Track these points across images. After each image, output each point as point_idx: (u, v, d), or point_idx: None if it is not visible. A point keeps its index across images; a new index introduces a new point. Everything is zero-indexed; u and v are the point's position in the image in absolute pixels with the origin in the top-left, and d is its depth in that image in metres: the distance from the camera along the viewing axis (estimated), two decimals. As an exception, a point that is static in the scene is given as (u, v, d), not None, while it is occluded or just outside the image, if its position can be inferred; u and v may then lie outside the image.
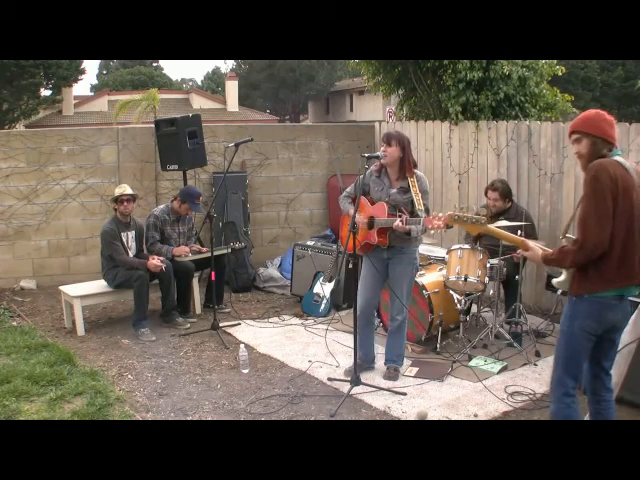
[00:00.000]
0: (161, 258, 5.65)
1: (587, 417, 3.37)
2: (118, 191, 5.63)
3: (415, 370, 4.60)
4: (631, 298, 3.81)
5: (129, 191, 5.63)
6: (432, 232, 4.15)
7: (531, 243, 3.10)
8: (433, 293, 5.02)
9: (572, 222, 3.14)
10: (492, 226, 3.23)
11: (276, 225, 7.91)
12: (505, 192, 5.32)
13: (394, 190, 4.30)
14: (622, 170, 2.80)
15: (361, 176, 4.35)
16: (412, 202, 4.19)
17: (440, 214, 3.91)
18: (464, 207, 3.14)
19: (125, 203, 5.57)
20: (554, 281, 3.08)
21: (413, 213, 4.19)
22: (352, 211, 4.31)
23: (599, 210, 2.74)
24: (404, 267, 4.38)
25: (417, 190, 4.16)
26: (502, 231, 3.22)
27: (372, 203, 4.39)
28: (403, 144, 4.23)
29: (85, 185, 7.21)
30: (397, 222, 4.09)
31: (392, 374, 4.49)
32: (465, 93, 6.72)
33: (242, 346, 4.85)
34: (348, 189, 4.56)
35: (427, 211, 4.16)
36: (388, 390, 4.26)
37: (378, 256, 4.39)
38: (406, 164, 4.25)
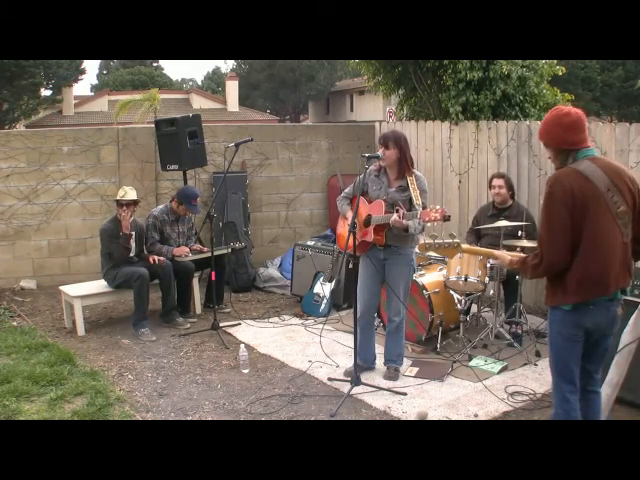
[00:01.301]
0: (161, 258, 5.66)
1: None
2: (120, 193, 5.61)
3: (415, 370, 4.60)
4: (631, 298, 3.82)
5: (130, 196, 5.59)
6: (428, 225, 4.13)
7: (497, 252, 3.17)
8: (433, 293, 5.02)
9: None
10: (465, 246, 3.31)
11: (276, 225, 7.91)
12: (510, 183, 5.36)
13: (392, 189, 4.30)
14: (581, 181, 2.70)
15: (360, 176, 4.35)
16: (410, 200, 4.19)
17: (437, 207, 3.92)
18: (435, 234, 3.20)
19: (124, 207, 5.54)
20: None
21: (411, 210, 4.19)
22: (350, 213, 4.33)
23: (553, 228, 2.71)
24: (401, 268, 4.37)
25: (416, 187, 4.17)
26: (476, 248, 3.31)
27: (370, 202, 4.39)
28: (400, 144, 4.23)
29: (85, 185, 7.21)
30: (394, 217, 4.08)
31: (392, 374, 4.49)
32: (465, 93, 6.72)
33: (242, 346, 4.85)
34: (347, 190, 4.56)
35: (424, 208, 4.15)
36: (388, 390, 4.26)
37: (374, 256, 4.38)
38: (405, 163, 4.25)
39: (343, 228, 4.54)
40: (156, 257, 5.64)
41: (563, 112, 2.79)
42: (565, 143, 2.77)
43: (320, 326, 5.59)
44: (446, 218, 3.90)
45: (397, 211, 4.12)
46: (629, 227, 2.78)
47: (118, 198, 5.58)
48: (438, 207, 3.93)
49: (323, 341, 5.07)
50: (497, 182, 5.34)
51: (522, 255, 3.05)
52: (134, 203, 5.65)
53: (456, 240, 3.16)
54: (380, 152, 4.28)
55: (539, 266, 2.77)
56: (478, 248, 3.26)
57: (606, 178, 2.73)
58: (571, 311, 2.80)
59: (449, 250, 3.19)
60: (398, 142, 4.24)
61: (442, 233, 3.20)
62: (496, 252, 3.18)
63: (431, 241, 3.17)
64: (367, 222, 4.29)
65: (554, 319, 2.89)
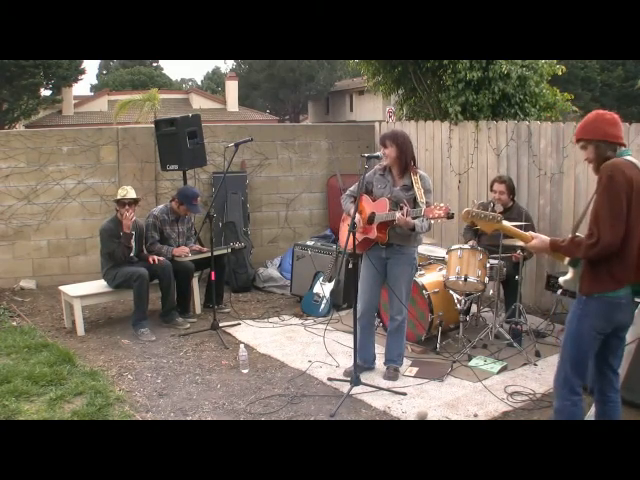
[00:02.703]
0: (161, 258, 5.66)
1: (590, 416, 3.38)
2: (121, 193, 5.60)
3: (415, 370, 4.60)
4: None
5: (131, 195, 5.60)
6: (432, 222, 4.14)
7: (533, 236, 3.14)
8: (433, 293, 5.02)
9: (582, 221, 3.14)
10: (506, 222, 3.26)
11: (276, 225, 7.90)
12: (511, 186, 5.36)
13: (397, 188, 4.31)
14: (636, 171, 2.81)
15: (367, 174, 4.36)
16: (414, 199, 4.20)
17: (442, 204, 3.93)
18: (484, 202, 3.19)
19: (127, 206, 5.55)
20: (561, 279, 3.10)
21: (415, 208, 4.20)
22: (353, 211, 4.33)
23: (614, 210, 2.75)
24: (403, 268, 4.37)
25: (420, 187, 4.19)
26: (514, 228, 3.27)
27: (374, 201, 4.39)
28: (397, 142, 4.24)
29: (85, 185, 7.21)
30: (399, 214, 4.09)
31: (392, 374, 4.49)
32: (464, 93, 6.72)
33: (242, 346, 4.85)
34: (352, 188, 4.56)
35: (428, 205, 4.16)
36: (388, 390, 4.26)
37: (376, 255, 4.38)
38: (406, 160, 4.26)
39: (344, 225, 4.55)
40: (155, 257, 5.64)
41: (602, 112, 2.95)
42: (609, 136, 2.87)
43: (320, 326, 5.59)
44: (450, 215, 3.92)
45: (401, 209, 4.13)
46: None
47: (119, 197, 5.58)
48: (442, 204, 3.94)
49: (323, 341, 5.06)
50: (498, 187, 5.33)
51: (523, 234, 3.08)
52: (135, 202, 5.65)
53: (499, 215, 3.16)
54: (381, 152, 4.30)
55: (595, 246, 2.77)
56: (516, 229, 3.24)
57: None
58: (606, 304, 2.85)
59: (488, 224, 3.16)
60: (396, 140, 4.25)
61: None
62: (534, 234, 3.15)
63: (477, 210, 3.16)
64: (371, 219, 4.30)
65: (587, 308, 2.90)
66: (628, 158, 2.86)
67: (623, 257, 2.79)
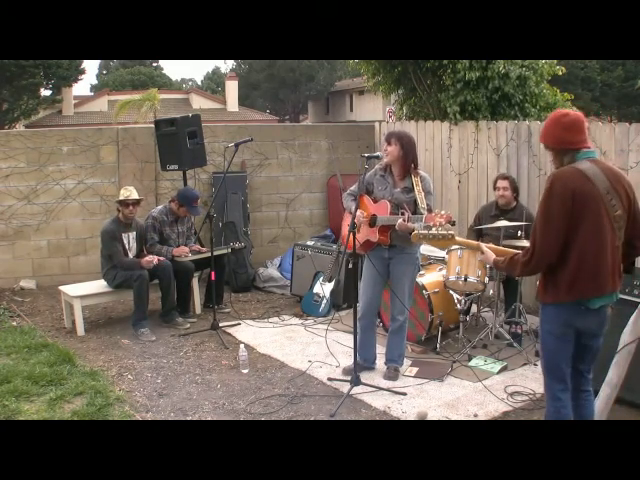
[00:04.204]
0: (161, 258, 5.66)
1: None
2: (124, 193, 5.61)
3: (415, 370, 4.61)
4: (631, 298, 3.82)
5: (135, 195, 5.62)
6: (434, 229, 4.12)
7: (485, 247, 3.13)
8: (433, 293, 5.02)
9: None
10: (458, 238, 3.31)
11: (276, 225, 7.90)
12: (515, 184, 5.34)
13: (397, 190, 4.31)
14: (583, 180, 2.71)
15: (367, 174, 4.36)
16: (415, 202, 4.19)
17: (442, 212, 3.93)
18: (429, 225, 3.20)
19: (131, 207, 5.58)
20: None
21: (416, 212, 4.19)
22: (353, 210, 4.33)
23: (548, 222, 2.72)
24: (405, 267, 4.37)
25: (421, 189, 4.18)
26: (466, 241, 3.32)
27: (375, 202, 4.39)
28: (402, 141, 4.24)
29: (85, 185, 7.21)
30: (400, 221, 4.09)
31: (392, 374, 4.49)
32: (463, 93, 6.72)
33: (242, 346, 4.85)
34: (353, 187, 4.56)
35: (430, 211, 4.15)
36: (388, 390, 4.26)
37: (379, 255, 4.38)
38: (407, 162, 4.26)
39: (346, 223, 4.55)
40: (148, 259, 5.56)
41: (562, 113, 2.84)
42: (564, 143, 2.79)
43: (320, 326, 5.60)
44: (452, 223, 3.90)
45: (402, 214, 4.12)
46: (622, 231, 2.82)
47: (123, 198, 5.58)
48: (443, 212, 3.92)
49: (322, 341, 5.07)
50: (502, 184, 5.31)
51: (510, 251, 3.03)
52: (137, 202, 5.67)
53: (450, 232, 3.17)
54: (383, 149, 4.29)
55: (530, 262, 2.78)
56: (468, 240, 3.25)
57: (606, 180, 2.75)
58: (562, 310, 2.82)
59: (442, 242, 3.20)
60: (401, 139, 4.24)
61: (439, 229, 3.21)
62: (483, 247, 3.14)
63: (425, 232, 3.17)
64: (372, 222, 4.29)
65: (545, 317, 2.91)
66: (581, 166, 2.74)
67: (566, 268, 2.74)
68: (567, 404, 2.93)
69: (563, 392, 2.92)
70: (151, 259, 5.56)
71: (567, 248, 2.74)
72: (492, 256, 3.05)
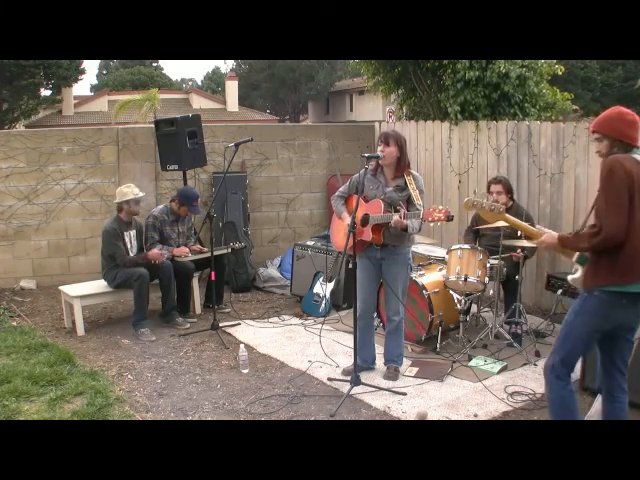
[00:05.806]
0: (164, 254, 5.68)
1: (591, 415, 3.38)
2: (131, 191, 5.61)
3: (415, 370, 4.60)
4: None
5: (136, 191, 5.66)
6: (432, 225, 4.11)
7: (537, 232, 3.15)
8: (433, 293, 5.02)
9: (588, 218, 3.14)
10: (508, 215, 3.25)
11: (276, 225, 7.91)
12: (508, 186, 5.31)
13: (390, 188, 4.30)
14: (637, 166, 2.82)
15: (355, 175, 4.37)
16: (409, 200, 4.19)
17: (440, 207, 3.91)
18: (484, 193, 3.17)
19: (141, 203, 5.66)
20: (569, 278, 3.10)
21: (410, 210, 4.19)
22: (345, 214, 4.35)
23: (615, 202, 2.77)
24: (399, 268, 4.37)
25: (415, 187, 4.18)
26: (519, 221, 3.25)
27: (366, 201, 4.37)
28: (400, 143, 4.24)
29: (85, 185, 7.21)
30: (396, 217, 4.08)
31: (392, 374, 4.49)
32: (463, 92, 6.72)
33: (242, 346, 4.85)
34: (341, 189, 4.56)
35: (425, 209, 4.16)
36: (388, 390, 4.26)
37: (372, 256, 4.37)
38: (403, 163, 4.26)
39: (336, 227, 4.55)
40: (156, 251, 5.64)
41: (625, 110, 2.97)
42: (623, 136, 2.90)
43: (320, 326, 5.59)
44: (450, 218, 3.90)
45: (398, 211, 4.12)
46: None
47: (133, 197, 5.59)
48: (441, 207, 3.92)
49: (323, 341, 5.07)
50: (495, 188, 5.27)
51: (535, 230, 3.09)
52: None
53: (501, 206, 3.16)
54: (379, 150, 4.27)
55: (598, 235, 2.79)
56: (519, 222, 3.23)
57: None
58: (605, 302, 2.85)
59: (491, 215, 3.16)
60: (399, 141, 4.24)
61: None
62: (541, 228, 3.16)
63: (480, 199, 3.14)
64: (365, 221, 4.28)
65: (585, 309, 2.92)
66: (633, 155, 2.87)
67: (626, 250, 2.79)
68: (571, 387, 3.00)
69: (568, 376, 2.99)
70: (157, 252, 5.60)
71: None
72: (555, 234, 3.06)
